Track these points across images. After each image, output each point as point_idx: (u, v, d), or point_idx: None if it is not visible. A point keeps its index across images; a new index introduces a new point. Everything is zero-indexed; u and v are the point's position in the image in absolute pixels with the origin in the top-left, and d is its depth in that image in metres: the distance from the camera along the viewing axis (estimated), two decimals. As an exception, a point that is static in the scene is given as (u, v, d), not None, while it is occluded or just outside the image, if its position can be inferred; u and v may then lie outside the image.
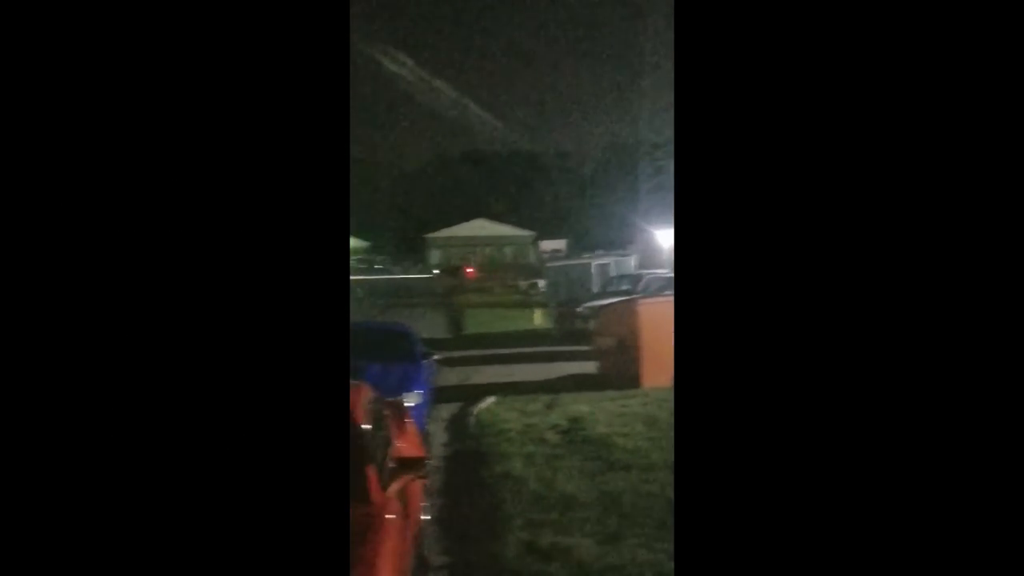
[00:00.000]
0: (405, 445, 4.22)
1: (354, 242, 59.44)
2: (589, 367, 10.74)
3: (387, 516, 3.02)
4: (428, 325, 17.56)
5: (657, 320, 8.92)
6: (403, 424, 4.58)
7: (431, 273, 49.27)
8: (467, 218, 63.65)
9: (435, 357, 8.43)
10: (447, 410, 8.37)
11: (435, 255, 61.12)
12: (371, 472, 3.11)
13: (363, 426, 3.36)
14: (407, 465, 3.42)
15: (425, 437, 6.58)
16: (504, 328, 18.03)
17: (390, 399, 5.19)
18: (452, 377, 10.60)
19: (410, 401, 6.34)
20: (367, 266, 43.83)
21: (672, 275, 14.61)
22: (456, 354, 13.10)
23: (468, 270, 46.22)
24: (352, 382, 4.04)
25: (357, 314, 18.83)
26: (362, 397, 3.73)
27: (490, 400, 8.61)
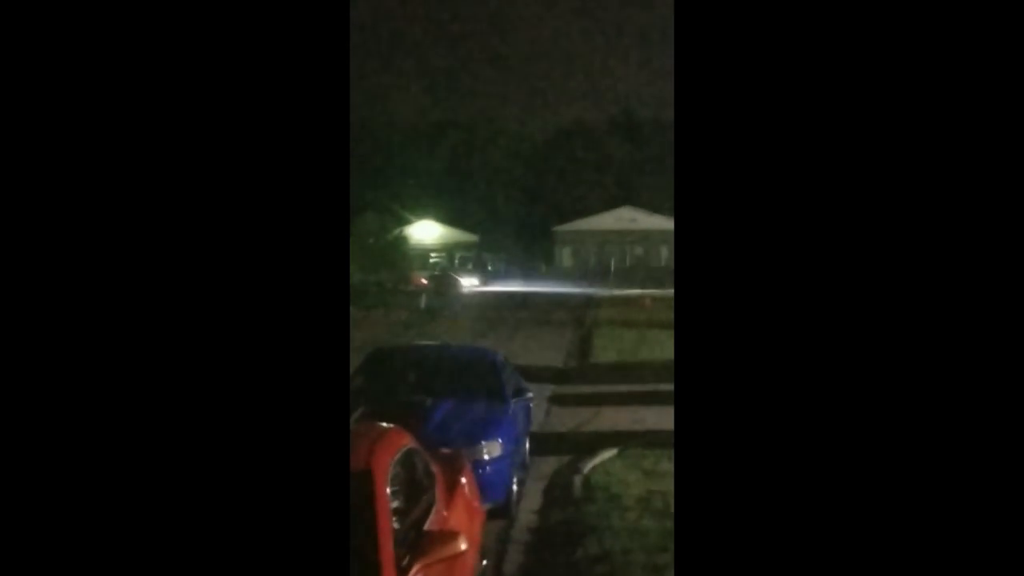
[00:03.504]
0: (449, 513, 4.23)
1: (459, 235, 60.77)
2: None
3: None
4: (546, 350, 17.68)
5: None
6: (455, 484, 4.63)
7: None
8: (611, 206, 63.64)
9: (530, 395, 8.40)
10: (550, 466, 8.26)
11: (565, 253, 61.16)
12: (384, 547, 3.17)
13: (386, 488, 3.42)
14: (439, 540, 3.45)
15: (507, 502, 6.61)
16: (649, 356, 17.58)
17: (447, 450, 5.28)
18: (566, 421, 10.59)
19: (487, 452, 6.42)
20: (475, 269, 44.26)
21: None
22: (578, 390, 13.04)
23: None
24: (382, 426, 4.14)
25: (454, 335, 19.26)
26: (388, 446, 3.76)
27: (607, 455, 8.42)
